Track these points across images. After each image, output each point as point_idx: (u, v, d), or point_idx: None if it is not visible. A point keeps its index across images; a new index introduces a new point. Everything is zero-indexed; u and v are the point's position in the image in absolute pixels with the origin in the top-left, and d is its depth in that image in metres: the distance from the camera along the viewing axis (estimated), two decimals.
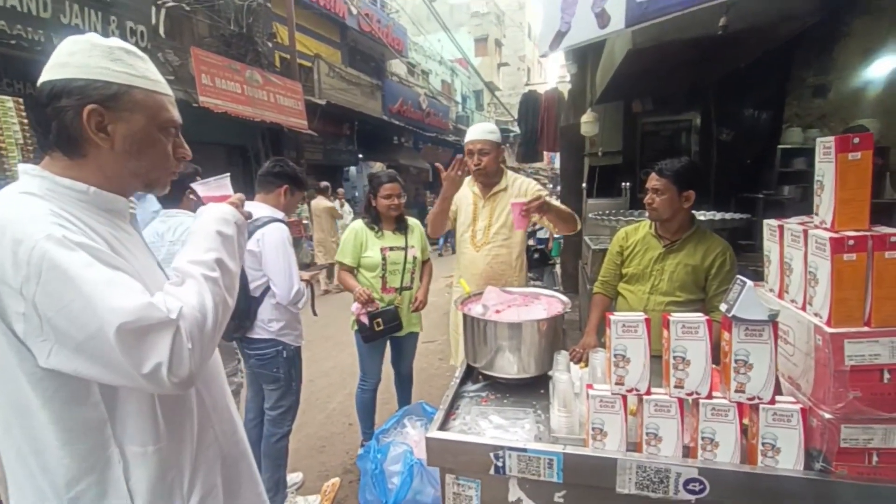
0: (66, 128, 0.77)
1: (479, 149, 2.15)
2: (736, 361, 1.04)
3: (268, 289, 1.99)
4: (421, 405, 2.06)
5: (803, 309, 1.08)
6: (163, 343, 0.69)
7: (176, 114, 0.88)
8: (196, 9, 7.46)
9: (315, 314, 2.50)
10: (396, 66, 15.55)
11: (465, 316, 1.62)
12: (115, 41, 0.82)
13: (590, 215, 3.28)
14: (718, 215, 2.83)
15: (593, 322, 1.87)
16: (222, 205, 0.94)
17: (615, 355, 1.12)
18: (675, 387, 1.08)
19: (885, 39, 4.04)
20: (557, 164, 14.71)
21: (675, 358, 1.08)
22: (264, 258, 1.93)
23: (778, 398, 1.04)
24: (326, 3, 10.97)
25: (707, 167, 5.06)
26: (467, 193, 2.35)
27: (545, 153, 9.38)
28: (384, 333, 2.46)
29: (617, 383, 1.12)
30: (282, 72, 9.02)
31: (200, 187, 1.05)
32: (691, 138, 5.66)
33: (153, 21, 6.52)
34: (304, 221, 8.06)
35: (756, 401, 1.04)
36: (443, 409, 1.41)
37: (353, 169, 13.57)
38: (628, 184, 4.49)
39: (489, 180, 2.24)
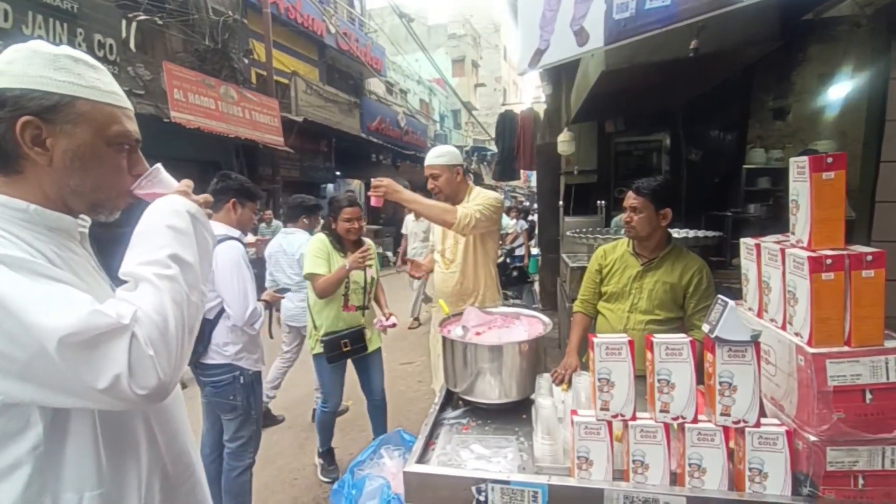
0: None
1: (430, 174, 2.24)
2: (720, 384, 1.02)
3: (222, 310, 1.89)
4: (399, 433, 1.97)
5: (783, 328, 1.07)
6: (117, 352, 0.62)
7: (132, 127, 0.80)
8: (169, 23, 7.34)
9: (271, 336, 2.40)
10: (375, 85, 15.64)
11: (444, 339, 1.56)
12: (64, 49, 0.75)
13: (567, 233, 3.30)
14: (692, 233, 2.89)
15: (574, 342, 1.84)
16: (169, 196, 0.83)
17: (599, 379, 1.08)
18: (661, 411, 1.05)
19: (838, 65, 4.30)
20: (534, 182, 14.97)
21: (659, 381, 1.05)
22: (217, 278, 1.83)
23: (763, 420, 1.02)
24: (304, 21, 10.99)
25: (677, 186, 5.22)
26: None
27: (522, 171, 9.52)
28: (350, 354, 2.47)
29: (602, 408, 1.08)
30: (258, 88, 8.92)
31: (147, 184, 0.90)
32: (662, 158, 5.84)
33: (123, 35, 6.36)
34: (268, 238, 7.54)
35: (742, 424, 1.01)
36: (421, 439, 1.34)
37: (330, 186, 13.44)
38: (603, 202, 4.56)
39: (453, 201, 2.23)
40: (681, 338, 1.05)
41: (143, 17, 6.69)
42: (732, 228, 4.66)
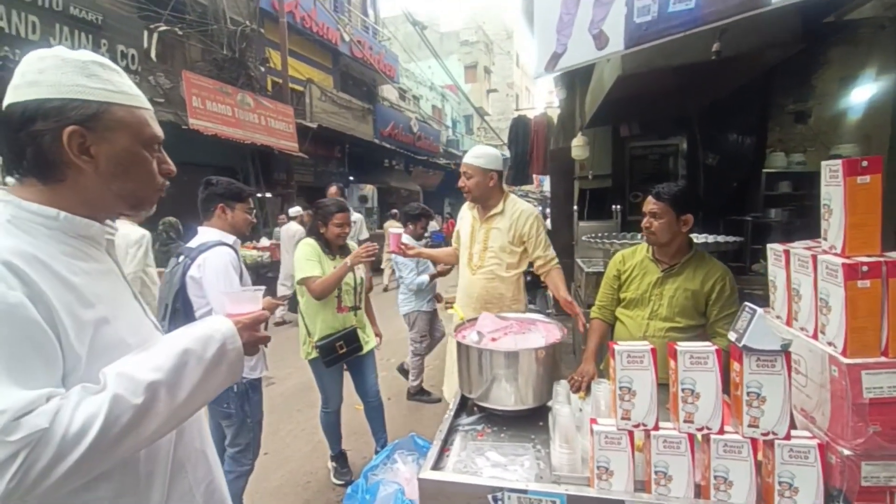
0: (44, 153, 0.70)
1: (464, 171, 2.22)
2: (748, 394, 0.98)
3: None
4: (412, 438, 1.95)
5: (815, 337, 1.03)
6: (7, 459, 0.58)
7: (157, 128, 0.82)
8: (189, 33, 7.52)
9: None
10: (388, 92, 15.78)
11: (459, 344, 1.54)
12: (87, 54, 0.76)
13: (582, 238, 3.26)
14: (711, 238, 2.82)
15: (591, 348, 1.80)
16: (222, 319, 0.81)
17: (620, 388, 1.05)
18: (685, 421, 1.02)
19: (861, 68, 4.20)
20: (546, 187, 14.88)
21: (683, 390, 1.01)
22: (205, 283, 1.79)
23: (793, 433, 0.98)
24: (319, 29, 11.16)
25: (696, 191, 5.14)
26: (467, 215, 2.36)
27: (535, 176, 9.47)
28: (346, 356, 2.46)
29: (623, 418, 1.05)
30: (274, 95, 9.07)
31: (228, 297, 0.91)
32: (678, 162, 5.75)
33: (145, 45, 6.54)
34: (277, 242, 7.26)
35: (771, 436, 0.98)
36: (437, 445, 1.32)
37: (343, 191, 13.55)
38: (619, 206, 4.50)
39: (483, 203, 2.24)
40: (706, 346, 1.02)
41: (164, 28, 6.88)
42: (752, 233, 4.56)
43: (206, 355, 0.75)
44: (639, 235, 3.44)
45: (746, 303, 1.02)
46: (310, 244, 2.45)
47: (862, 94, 4.32)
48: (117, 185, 0.76)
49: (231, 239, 1.90)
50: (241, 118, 7.71)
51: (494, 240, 2.21)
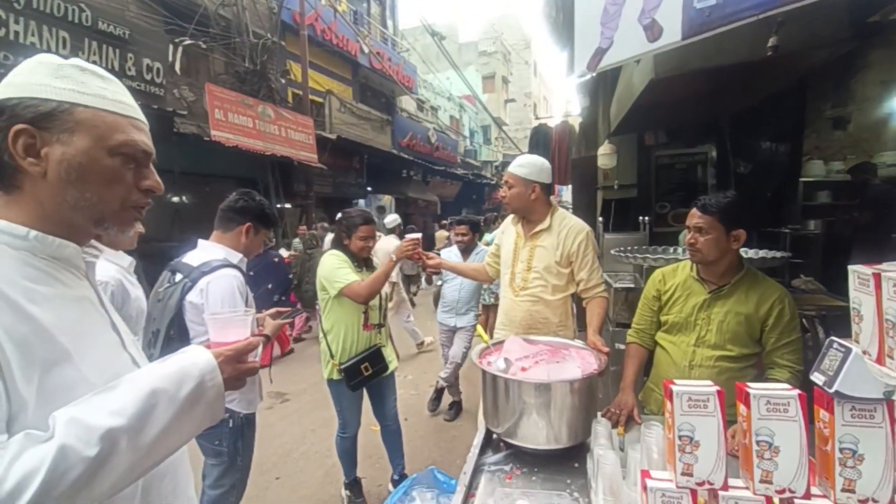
0: None
1: (505, 181, 2.04)
2: (842, 451, 0.81)
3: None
4: (432, 472, 1.80)
5: None
6: None
7: (139, 138, 0.72)
8: (212, 47, 7.66)
9: (270, 381, 2.26)
10: (406, 102, 15.87)
11: (483, 372, 1.40)
12: (73, 60, 0.70)
13: (611, 251, 3.08)
14: (752, 252, 2.62)
15: (630, 377, 1.63)
16: (200, 351, 0.71)
17: (681, 437, 0.89)
18: (761, 481, 0.85)
19: None
20: (565, 197, 14.64)
21: (759, 443, 0.85)
22: (207, 310, 1.56)
23: None
24: (339, 42, 11.30)
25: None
26: (511, 231, 2.15)
27: (555, 186, 9.29)
28: (372, 377, 2.33)
29: (683, 473, 0.89)
30: (294, 107, 9.17)
31: (212, 323, 0.81)
32: (707, 171, 5.52)
33: (170, 58, 6.67)
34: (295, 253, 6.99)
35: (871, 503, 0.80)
36: (461, 490, 1.17)
37: (361, 202, 13.61)
38: (647, 218, 4.30)
39: (526, 218, 2.05)
40: (785, 390, 0.86)
41: (188, 42, 7.01)
42: (791, 246, 4.29)
43: (179, 395, 0.64)
44: (671, 249, 3.25)
45: (835, 339, 0.85)
46: (336, 255, 2.33)
47: None
48: (72, 195, 0.66)
49: (237, 257, 1.72)
50: (262, 129, 7.78)
51: (539, 259, 1.99)
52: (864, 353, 1.02)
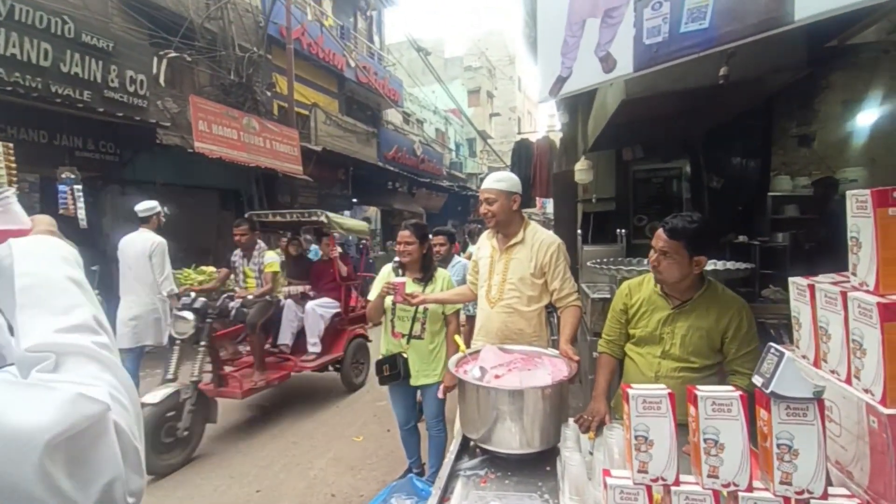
0: None
1: (486, 198, 2.10)
2: (779, 446, 0.89)
3: None
4: (411, 480, 1.84)
5: (848, 382, 0.95)
6: (109, 449, 0.45)
7: None
8: (197, 59, 7.67)
9: None
10: (392, 115, 16.02)
11: (460, 381, 1.46)
12: None
13: (588, 263, 3.18)
14: (720, 264, 2.74)
15: (602, 385, 1.69)
16: (51, 238, 0.63)
17: (636, 436, 0.96)
18: (709, 476, 0.92)
19: (864, 91, 4.20)
20: (549, 209, 14.87)
21: (706, 441, 0.92)
22: None
23: (830, 490, 0.89)
24: (325, 55, 11.41)
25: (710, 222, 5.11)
26: (486, 246, 2.24)
27: (537, 199, 9.47)
28: (391, 379, 2.57)
29: (639, 470, 0.96)
30: (279, 119, 9.19)
31: None
32: (682, 185, 5.72)
33: (154, 70, 6.65)
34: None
35: (806, 495, 0.88)
36: (436, 494, 1.22)
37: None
38: (624, 230, 4.44)
39: (504, 230, 2.12)
40: (728, 391, 0.94)
41: (173, 55, 7.02)
42: (760, 258, 4.47)
43: (80, 275, 0.59)
44: (644, 260, 3.37)
45: (772, 344, 0.93)
46: (381, 273, 2.66)
47: (866, 117, 4.31)
48: None
49: None
50: (247, 141, 7.78)
51: (514, 271, 2.07)
52: (803, 356, 1.11)
